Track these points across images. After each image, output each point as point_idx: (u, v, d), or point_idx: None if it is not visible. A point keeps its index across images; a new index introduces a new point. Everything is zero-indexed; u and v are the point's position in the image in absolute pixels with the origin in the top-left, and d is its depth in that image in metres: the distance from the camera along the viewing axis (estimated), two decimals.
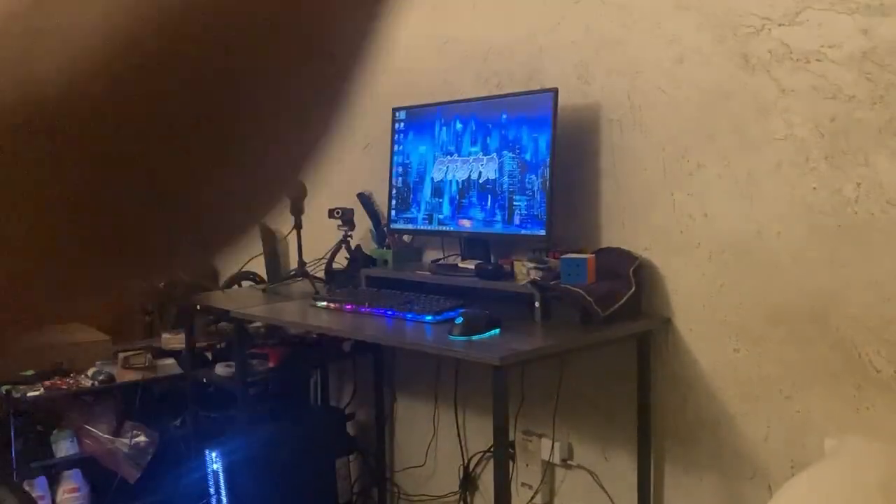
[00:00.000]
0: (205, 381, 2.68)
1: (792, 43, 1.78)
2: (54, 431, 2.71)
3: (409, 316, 2.03)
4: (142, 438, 2.74)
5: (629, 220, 2.11)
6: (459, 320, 1.85)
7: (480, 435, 2.52)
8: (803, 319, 1.79)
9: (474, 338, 1.81)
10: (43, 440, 2.69)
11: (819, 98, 1.75)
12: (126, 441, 2.73)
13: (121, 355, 2.86)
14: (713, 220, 1.94)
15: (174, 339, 2.96)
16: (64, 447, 2.70)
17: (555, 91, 2.10)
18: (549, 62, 2.28)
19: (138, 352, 2.89)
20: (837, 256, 1.73)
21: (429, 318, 1.99)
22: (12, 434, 2.57)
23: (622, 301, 1.96)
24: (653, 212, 2.06)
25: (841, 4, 1.70)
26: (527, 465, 2.38)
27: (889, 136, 1.65)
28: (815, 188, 1.76)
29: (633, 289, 2.00)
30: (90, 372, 2.79)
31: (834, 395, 1.75)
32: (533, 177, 2.14)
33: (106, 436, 2.74)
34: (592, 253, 2.07)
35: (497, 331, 1.87)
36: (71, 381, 2.74)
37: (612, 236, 2.15)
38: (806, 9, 1.76)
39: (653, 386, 2.06)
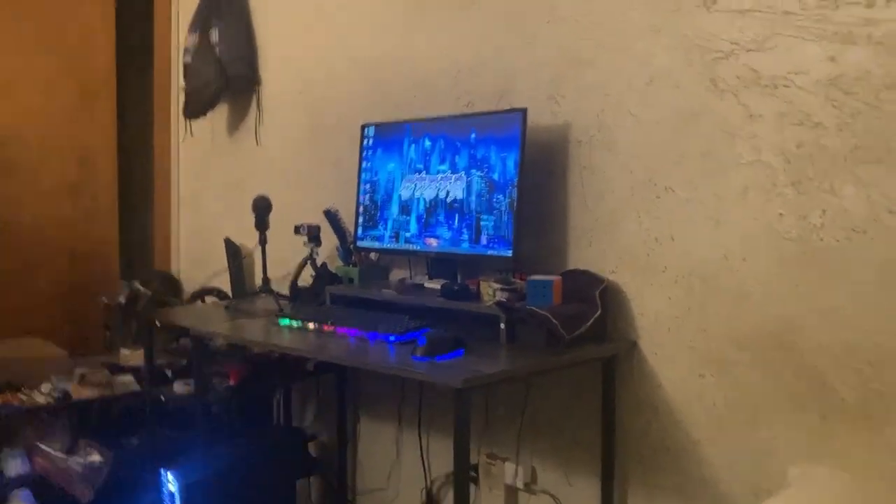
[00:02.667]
0: (163, 398, 2.61)
1: (760, 68, 1.78)
2: (4, 449, 2.62)
3: (373, 335, 1.99)
4: (96, 457, 2.66)
5: (596, 242, 2.09)
6: (423, 341, 1.81)
7: (444, 457, 2.48)
8: (769, 346, 1.78)
9: (437, 359, 1.78)
10: None
11: (786, 124, 1.75)
12: (80, 460, 2.65)
13: (77, 371, 2.78)
14: (680, 243, 1.93)
15: (133, 356, 2.89)
16: (14, 466, 2.61)
17: (523, 111, 2.08)
18: (520, 81, 2.26)
19: (96, 368, 2.81)
20: (803, 283, 1.72)
21: (392, 338, 1.95)
22: None
23: (588, 324, 1.94)
24: (620, 234, 2.04)
25: (808, 31, 1.71)
26: (490, 490, 2.34)
27: (854, 164, 1.65)
28: (781, 214, 1.75)
29: (599, 312, 1.97)
30: (45, 388, 2.71)
31: (798, 422, 1.74)
32: (500, 197, 2.12)
33: (59, 454, 2.65)
34: (559, 275, 2.05)
35: (461, 352, 1.83)
36: (24, 398, 2.66)
37: (579, 258, 2.13)
38: (774, 35, 1.76)
39: (618, 410, 2.04)
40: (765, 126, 1.78)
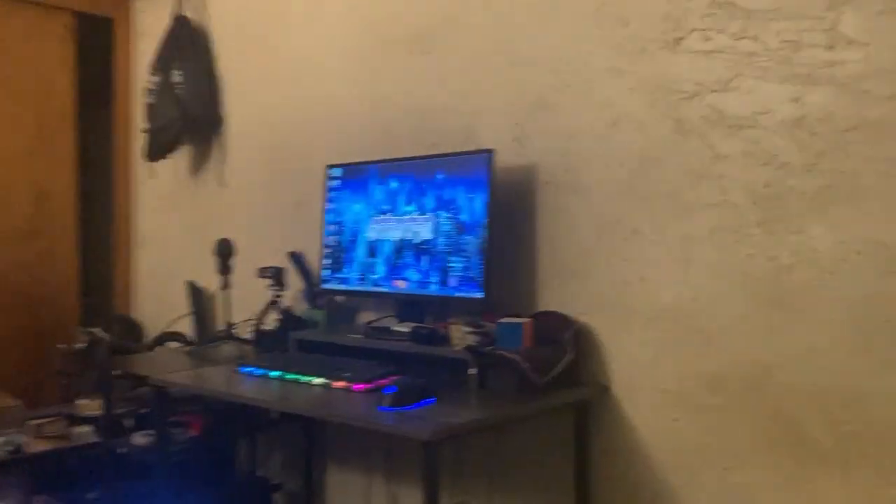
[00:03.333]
0: (123, 450, 2.51)
1: (725, 109, 1.78)
2: None
3: (338, 384, 1.93)
4: None
5: (566, 284, 2.07)
6: (390, 390, 1.76)
7: None
8: (741, 388, 1.76)
9: (406, 409, 1.72)
10: None
11: (753, 164, 1.74)
12: None
13: (32, 423, 2.67)
14: (649, 285, 1.91)
15: (91, 405, 2.79)
16: None
17: (491, 152, 2.06)
18: (485, 123, 2.25)
19: (52, 419, 2.71)
20: (774, 324, 1.71)
21: (358, 386, 1.89)
22: None
23: (560, 368, 1.90)
24: (589, 276, 2.02)
25: (771, 73, 1.71)
26: None
27: (822, 204, 1.65)
28: (750, 255, 1.74)
29: (571, 355, 1.94)
30: None
31: (774, 467, 1.71)
32: (469, 238, 2.09)
33: None
34: (530, 317, 2.02)
35: (431, 400, 1.78)
36: None
37: (550, 300, 2.10)
38: (737, 76, 1.76)
39: (591, 456, 1.99)
40: (731, 166, 1.78)
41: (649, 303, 1.91)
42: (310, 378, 1.98)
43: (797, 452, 1.68)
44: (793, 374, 1.68)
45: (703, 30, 1.82)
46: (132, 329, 3.46)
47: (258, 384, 2.04)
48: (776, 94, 1.71)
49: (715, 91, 1.80)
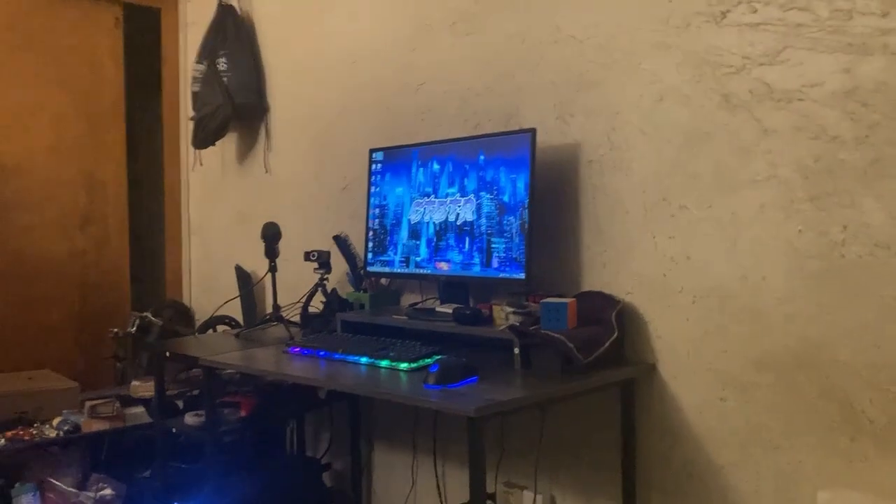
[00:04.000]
0: (174, 430, 2.57)
1: (773, 82, 1.75)
2: (16, 485, 2.59)
3: (384, 363, 1.95)
4: (108, 491, 2.63)
5: (610, 263, 2.05)
6: (434, 368, 1.77)
7: (461, 485, 2.42)
8: (792, 366, 1.73)
9: (450, 387, 1.73)
10: (4, 494, 2.58)
11: (802, 138, 1.70)
12: (91, 494, 2.62)
13: (88, 404, 2.75)
14: (696, 263, 1.88)
15: (144, 387, 2.86)
16: (26, 501, 2.58)
17: (533, 131, 2.05)
18: (528, 102, 2.24)
19: (106, 400, 2.79)
20: (825, 301, 1.67)
21: (404, 365, 1.91)
22: None
23: (604, 347, 1.89)
24: (634, 255, 2.00)
25: (821, 43, 1.67)
26: None
27: (875, 178, 1.60)
28: (800, 231, 1.71)
29: (616, 334, 1.93)
30: (55, 422, 2.68)
31: (826, 445, 1.68)
32: (511, 218, 2.08)
33: (70, 489, 2.62)
34: (573, 297, 2.01)
35: (474, 379, 1.79)
36: (34, 432, 2.64)
37: (594, 279, 2.08)
38: (786, 48, 1.72)
39: (637, 435, 1.98)
40: (780, 141, 1.74)
41: (696, 281, 1.88)
42: (356, 358, 2.01)
43: (850, 431, 1.64)
44: (845, 351, 1.65)
45: (750, 2, 1.78)
46: (183, 313, 3.54)
47: (306, 364, 2.07)
48: (827, 66, 1.67)
49: (763, 64, 1.76)
